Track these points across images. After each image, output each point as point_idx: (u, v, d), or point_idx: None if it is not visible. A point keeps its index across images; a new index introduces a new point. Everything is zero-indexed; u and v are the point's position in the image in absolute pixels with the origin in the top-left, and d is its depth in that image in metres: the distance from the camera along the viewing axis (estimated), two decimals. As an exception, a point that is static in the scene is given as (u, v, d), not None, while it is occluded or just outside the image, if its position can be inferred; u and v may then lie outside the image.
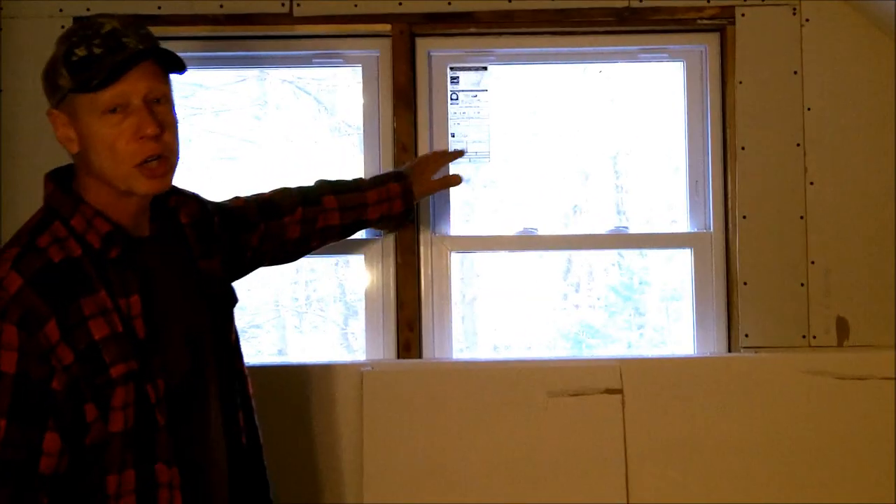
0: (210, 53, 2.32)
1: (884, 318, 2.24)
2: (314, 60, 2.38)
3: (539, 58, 2.40)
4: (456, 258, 2.36)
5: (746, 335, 2.25)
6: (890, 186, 2.25)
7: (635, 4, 2.27)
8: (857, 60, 2.25)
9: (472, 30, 2.31)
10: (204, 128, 2.70)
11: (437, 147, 2.32)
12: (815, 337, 2.25)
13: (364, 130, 2.34)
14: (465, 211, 2.67)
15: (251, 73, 2.62)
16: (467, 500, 2.10)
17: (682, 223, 2.40)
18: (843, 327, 2.25)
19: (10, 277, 1.32)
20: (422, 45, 2.33)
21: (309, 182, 2.01)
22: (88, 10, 2.22)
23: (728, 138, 2.30)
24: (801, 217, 2.25)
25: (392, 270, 2.31)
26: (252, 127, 2.79)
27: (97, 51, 1.36)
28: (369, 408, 2.12)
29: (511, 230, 2.40)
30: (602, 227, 2.48)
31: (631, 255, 2.94)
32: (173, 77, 1.47)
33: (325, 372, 2.18)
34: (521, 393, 2.14)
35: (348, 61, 2.37)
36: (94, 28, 1.39)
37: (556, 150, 2.75)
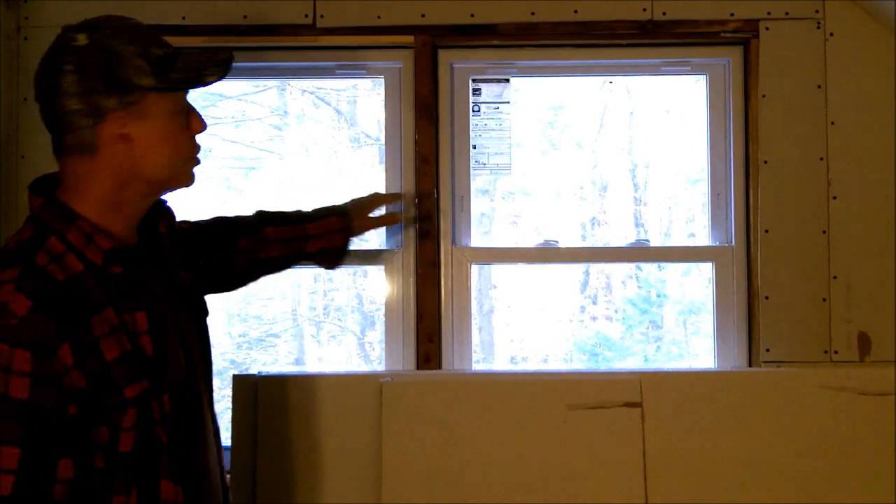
0: (234, 64, 2.32)
1: (906, 334, 2.23)
2: (337, 72, 2.38)
3: (561, 70, 2.40)
4: (473, 269, 2.36)
5: (767, 349, 2.24)
6: (913, 201, 2.24)
7: (658, 17, 2.27)
8: (881, 75, 2.24)
9: (495, 42, 2.31)
10: (224, 137, 2.71)
11: (459, 160, 2.33)
12: (836, 352, 2.24)
13: (386, 142, 2.34)
14: (483, 222, 2.67)
15: (271, 83, 2.63)
16: (487, 512, 2.10)
17: (701, 236, 2.39)
18: (864, 342, 2.24)
19: (16, 300, 1.25)
20: (444, 56, 2.33)
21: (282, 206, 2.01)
22: (113, 19, 2.23)
23: (751, 152, 2.30)
24: (824, 231, 2.24)
25: (412, 282, 2.30)
26: (272, 136, 2.80)
27: (169, 50, 1.39)
28: (388, 419, 2.11)
29: (531, 242, 2.39)
30: (620, 239, 2.48)
31: (649, 268, 2.93)
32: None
33: (343, 382, 2.18)
34: (540, 405, 2.13)
35: (371, 73, 2.38)
36: (141, 28, 1.39)
37: (575, 162, 2.75)
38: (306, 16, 2.27)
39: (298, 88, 2.74)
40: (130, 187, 1.39)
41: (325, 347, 2.93)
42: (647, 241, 2.41)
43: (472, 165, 2.35)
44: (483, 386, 2.15)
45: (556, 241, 2.33)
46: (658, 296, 3.00)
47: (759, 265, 2.26)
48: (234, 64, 2.34)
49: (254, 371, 2.21)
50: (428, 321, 2.29)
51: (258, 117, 2.78)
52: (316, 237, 1.99)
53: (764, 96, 2.25)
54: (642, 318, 3.00)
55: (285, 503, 2.11)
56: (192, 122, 1.45)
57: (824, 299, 2.24)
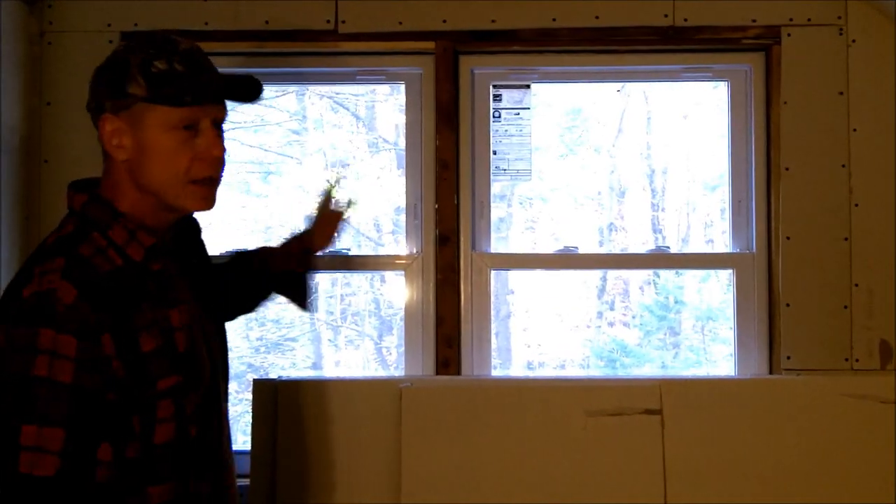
0: (254, 69, 2.33)
1: (928, 342, 2.22)
2: (358, 77, 2.39)
3: (581, 76, 2.40)
4: (491, 274, 2.36)
5: (788, 357, 2.24)
6: (936, 209, 2.23)
7: (679, 23, 2.26)
8: (903, 82, 2.24)
9: (516, 48, 2.31)
10: (243, 141, 2.71)
11: (479, 166, 2.33)
12: (857, 360, 2.23)
13: (406, 147, 2.34)
14: (500, 227, 2.67)
15: (290, 88, 2.63)
16: (506, 519, 2.09)
17: (719, 242, 2.38)
18: (886, 350, 2.23)
19: (63, 288, 1.30)
20: (465, 62, 2.33)
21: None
22: (136, 25, 2.24)
23: (772, 159, 2.29)
24: (846, 239, 2.23)
25: (432, 287, 2.30)
26: (290, 140, 2.81)
27: (179, 67, 1.38)
28: (408, 424, 2.11)
29: (547, 247, 2.39)
30: (638, 245, 2.47)
31: (666, 274, 2.92)
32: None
33: (363, 387, 2.18)
34: (560, 411, 2.13)
35: (391, 78, 2.38)
36: (171, 43, 1.40)
37: (593, 167, 2.74)
38: (328, 21, 2.27)
39: (317, 93, 2.75)
40: (147, 197, 1.41)
41: (343, 352, 2.94)
42: (667, 247, 2.40)
43: (492, 171, 2.35)
44: (503, 392, 2.15)
45: (576, 248, 2.33)
46: (676, 302, 2.99)
47: (780, 272, 2.25)
48: (256, 69, 2.36)
49: (273, 375, 2.22)
50: (447, 326, 2.29)
51: (277, 122, 2.78)
52: (281, 256, 1.90)
53: (785, 103, 2.25)
54: (660, 325, 2.98)
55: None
56: (199, 143, 1.41)
57: (846, 307, 2.23)
